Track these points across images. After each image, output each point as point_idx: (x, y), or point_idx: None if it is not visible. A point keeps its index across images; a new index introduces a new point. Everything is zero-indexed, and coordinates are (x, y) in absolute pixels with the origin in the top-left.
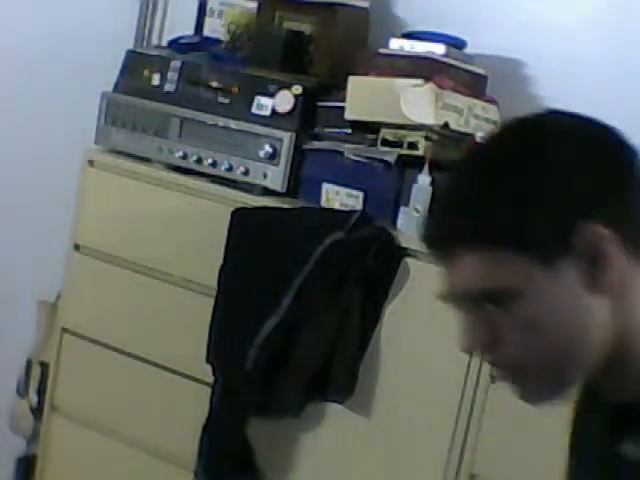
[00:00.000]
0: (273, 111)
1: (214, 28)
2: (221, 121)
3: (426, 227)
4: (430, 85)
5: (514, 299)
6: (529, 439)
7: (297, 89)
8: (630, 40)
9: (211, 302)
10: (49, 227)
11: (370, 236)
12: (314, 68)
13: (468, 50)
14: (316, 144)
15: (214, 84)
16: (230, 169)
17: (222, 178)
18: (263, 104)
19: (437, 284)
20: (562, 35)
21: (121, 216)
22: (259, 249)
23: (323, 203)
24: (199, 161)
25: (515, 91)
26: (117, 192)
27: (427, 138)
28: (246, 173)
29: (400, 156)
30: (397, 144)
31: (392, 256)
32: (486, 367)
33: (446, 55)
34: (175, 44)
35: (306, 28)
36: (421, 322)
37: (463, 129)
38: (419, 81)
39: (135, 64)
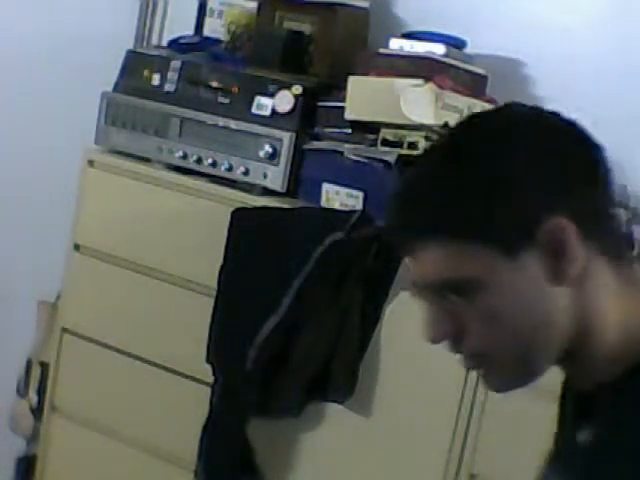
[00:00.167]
0: (273, 111)
1: (214, 28)
2: (221, 121)
3: (390, 217)
4: (430, 85)
5: (478, 290)
6: (529, 439)
7: (297, 89)
8: (630, 40)
9: (211, 302)
10: (49, 227)
11: (370, 236)
12: (314, 68)
13: (468, 50)
14: (316, 144)
15: (214, 84)
16: (230, 169)
17: (222, 178)
18: (263, 104)
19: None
20: (562, 35)
21: (121, 216)
22: (259, 249)
23: (323, 203)
24: (199, 161)
25: (515, 91)
26: (117, 192)
27: (427, 138)
28: (246, 173)
29: (400, 156)
30: (397, 144)
31: (392, 256)
32: None
33: (446, 55)
34: (175, 44)
35: (306, 28)
36: (421, 322)
37: None
38: (419, 81)
39: (135, 64)
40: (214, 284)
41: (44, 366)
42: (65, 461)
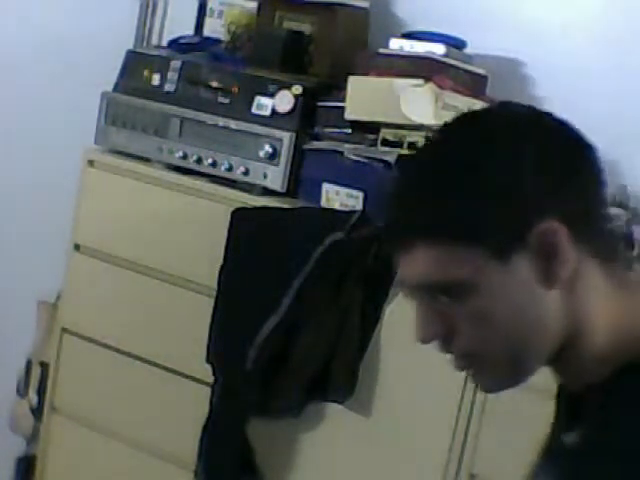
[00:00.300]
0: (273, 111)
1: (214, 28)
2: (221, 121)
3: (384, 216)
4: (430, 85)
5: (468, 292)
6: (529, 439)
7: (297, 89)
8: (630, 40)
9: (211, 302)
10: (49, 227)
11: (370, 236)
12: (314, 68)
13: (468, 50)
14: (316, 144)
15: (214, 84)
16: (230, 169)
17: (222, 178)
18: (263, 104)
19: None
20: (562, 35)
21: (121, 216)
22: (259, 249)
23: (323, 203)
24: (199, 161)
25: (515, 91)
26: (117, 192)
27: (427, 138)
28: (246, 173)
29: (400, 156)
30: (397, 144)
31: (392, 256)
32: None
33: (446, 55)
34: (175, 44)
35: (306, 28)
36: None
37: None
38: (419, 81)
39: (135, 64)
40: (214, 284)
41: (44, 366)
42: (65, 461)
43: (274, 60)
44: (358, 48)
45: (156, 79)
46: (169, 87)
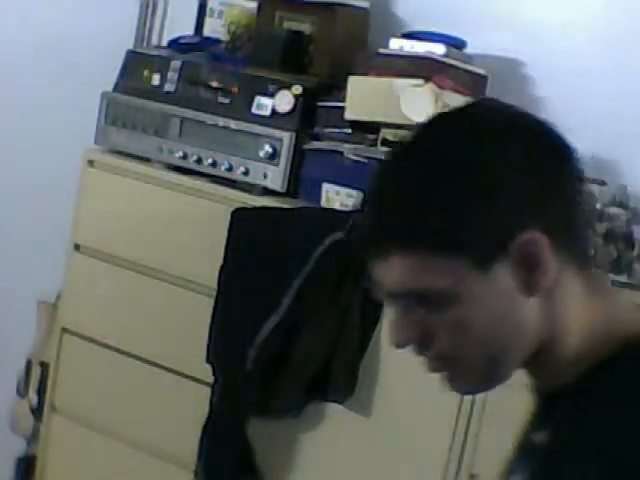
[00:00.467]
0: (273, 111)
1: (214, 28)
2: (221, 121)
3: (363, 225)
4: (430, 85)
5: (449, 302)
6: None
7: (297, 89)
8: (630, 40)
9: (211, 302)
10: (49, 227)
11: None
12: (314, 68)
13: (468, 50)
14: (316, 144)
15: (214, 84)
16: (230, 169)
17: (222, 178)
18: (263, 104)
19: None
20: (562, 35)
21: (121, 216)
22: (259, 249)
23: (323, 203)
24: (199, 161)
25: (515, 91)
26: (117, 192)
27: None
28: (246, 173)
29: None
30: (397, 144)
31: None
32: None
33: (446, 55)
34: (175, 44)
35: (306, 28)
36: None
37: None
38: (419, 81)
39: (135, 64)
40: (214, 284)
41: (44, 366)
42: (65, 461)
43: (274, 60)
44: (358, 48)
45: (156, 79)
46: (169, 87)
